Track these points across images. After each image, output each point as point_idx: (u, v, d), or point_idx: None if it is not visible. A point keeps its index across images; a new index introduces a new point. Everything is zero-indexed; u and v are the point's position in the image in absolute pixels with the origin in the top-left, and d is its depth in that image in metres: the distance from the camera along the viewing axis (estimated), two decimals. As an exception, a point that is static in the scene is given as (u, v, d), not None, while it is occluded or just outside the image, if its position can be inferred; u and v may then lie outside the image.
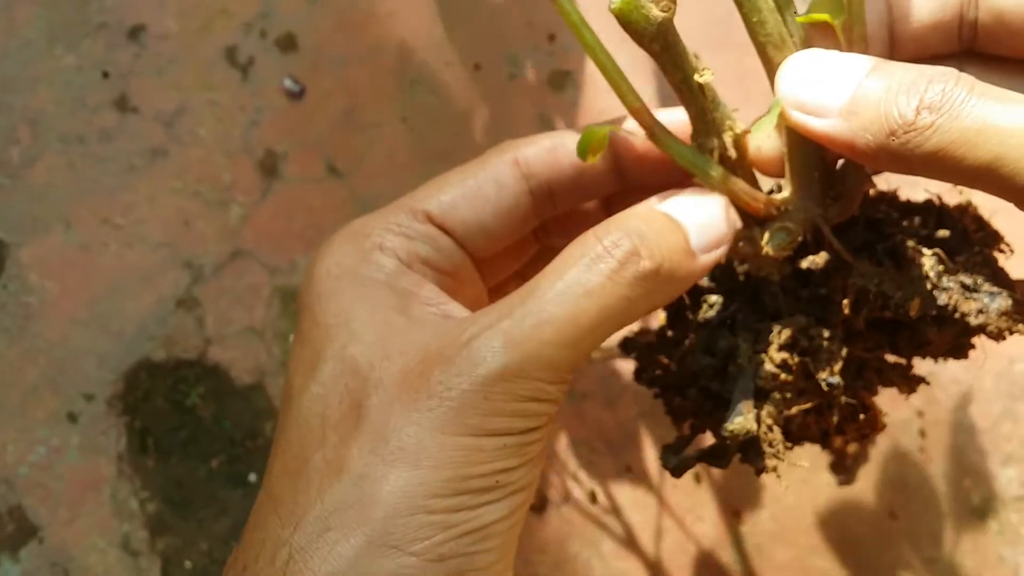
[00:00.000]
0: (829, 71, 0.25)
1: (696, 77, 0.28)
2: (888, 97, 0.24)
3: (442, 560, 0.23)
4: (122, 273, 0.50)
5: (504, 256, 0.32)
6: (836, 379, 0.29)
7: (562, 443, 0.49)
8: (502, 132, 0.50)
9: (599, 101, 0.51)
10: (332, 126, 0.50)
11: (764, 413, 0.29)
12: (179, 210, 0.50)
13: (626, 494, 0.48)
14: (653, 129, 0.28)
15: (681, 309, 0.33)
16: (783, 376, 0.29)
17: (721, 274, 0.32)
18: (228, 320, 0.50)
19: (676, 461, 0.31)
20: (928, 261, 0.29)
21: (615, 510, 0.48)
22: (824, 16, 0.27)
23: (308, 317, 0.27)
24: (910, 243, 0.29)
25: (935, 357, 0.33)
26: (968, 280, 0.29)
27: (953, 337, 0.31)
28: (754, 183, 0.30)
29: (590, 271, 0.25)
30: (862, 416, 0.32)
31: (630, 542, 0.48)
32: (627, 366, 0.49)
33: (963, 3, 0.27)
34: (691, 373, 0.31)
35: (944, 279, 0.29)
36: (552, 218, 0.31)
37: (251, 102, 0.50)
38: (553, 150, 0.29)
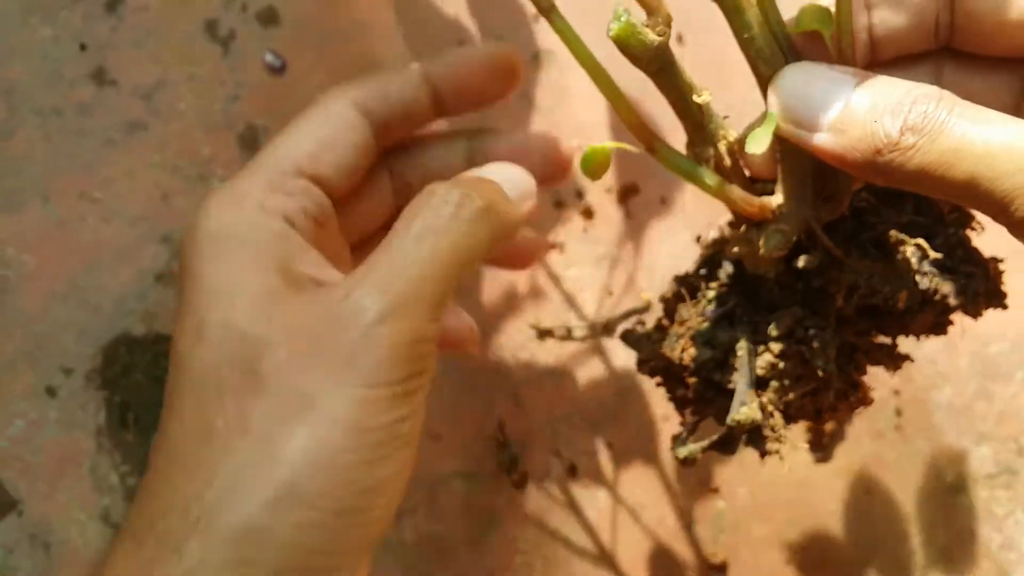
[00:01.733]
0: (819, 85, 0.27)
1: (695, 98, 0.30)
2: (874, 116, 0.25)
3: (341, 514, 0.26)
4: (100, 247, 0.50)
5: (362, 208, 0.35)
6: (832, 365, 0.31)
7: (543, 420, 0.49)
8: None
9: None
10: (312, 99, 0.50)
11: (765, 400, 0.31)
12: (158, 184, 0.50)
13: (607, 470, 0.48)
14: (652, 144, 0.30)
15: (677, 301, 0.35)
16: (782, 365, 0.31)
17: (719, 271, 0.34)
18: (208, 295, 0.49)
19: (687, 452, 0.33)
20: (910, 249, 0.31)
21: (596, 485, 0.48)
22: (814, 26, 0.28)
23: (191, 281, 0.28)
24: (893, 233, 0.31)
25: (917, 335, 0.35)
26: (946, 262, 0.31)
27: (934, 317, 0.33)
28: (749, 189, 0.31)
29: (436, 215, 0.28)
30: (853, 394, 0.34)
31: (610, 517, 0.48)
32: (607, 344, 0.49)
33: (939, 5, 0.28)
34: (693, 364, 0.33)
35: (924, 264, 0.31)
36: (394, 153, 0.36)
37: (231, 76, 0.50)
38: (383, 90, 0.33)
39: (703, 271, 0.35)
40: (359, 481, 0.26)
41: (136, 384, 0.49)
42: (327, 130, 0.32)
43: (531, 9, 0.51)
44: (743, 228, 0.31)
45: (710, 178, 0.30)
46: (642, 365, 0.36)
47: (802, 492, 0.48)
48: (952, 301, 0.31)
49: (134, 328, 0.49)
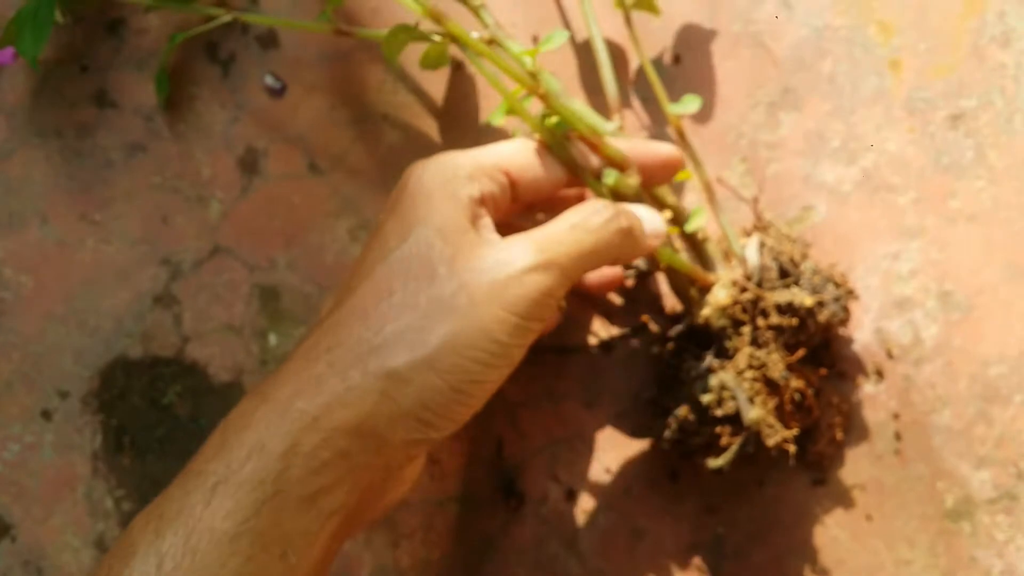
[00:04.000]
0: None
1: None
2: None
3: (455, 390, 0.36)
4: (99, 269, 0.49)
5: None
6: (784, 373, 0.44)
7: (541, 443, 0.49)
8: (485, 130, 0.50)
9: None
10: (313, 123, 0.50)
11: (759, 405, 0.44)
12: (157, 206, 0.50)
13: (604, 494, 0.48)
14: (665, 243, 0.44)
15: (671, 379, 0.46)
16: (757, 385, 0.44)
17: (696, 335, 0.46)
18: (206, 318, 0.49)
19: (722, 461, 0.44)
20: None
21: (594, 510, 0.48)
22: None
23: (407, 203, 0.38)
24: (793, 289, 0.45)
25: (820, 341, 0.47)
26: (816, 283, 0.45)
27: (824, 329, 0.45)
28: (706, 270, 0.46)
29: (591, 218, 0.39)
30: (807, 403, 0.46)
31: (607, 542, 0.48)
32: (606, 366, 0.49)
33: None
34: (702, 412, 0.44)
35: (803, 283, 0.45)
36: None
37: (231, 98, 0.50)
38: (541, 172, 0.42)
39: (686, 337, 0.46)
40: (474, 373, 0.36)
41: (133, 408, 0.49)
42: (525, 149, 0.41)
43: (530, 31, 0.51)
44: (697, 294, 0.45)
45: (686, 266, 0.45)
46: (673, 444, 0.46)
47: (801, 517, 0.48)
48: (820, 316, 0.44)
49: (131, 351, 0.49)
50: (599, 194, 0.42)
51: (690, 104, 0.45)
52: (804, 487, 0.48)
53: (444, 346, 0.36)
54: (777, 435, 0.43)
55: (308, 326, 0.40)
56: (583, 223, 0.39)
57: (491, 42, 0.45)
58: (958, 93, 0.50)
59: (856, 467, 0.48)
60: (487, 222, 0.39)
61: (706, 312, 0.45)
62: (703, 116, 0.50)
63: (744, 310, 0.44)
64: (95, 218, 0.50)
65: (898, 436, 0.48)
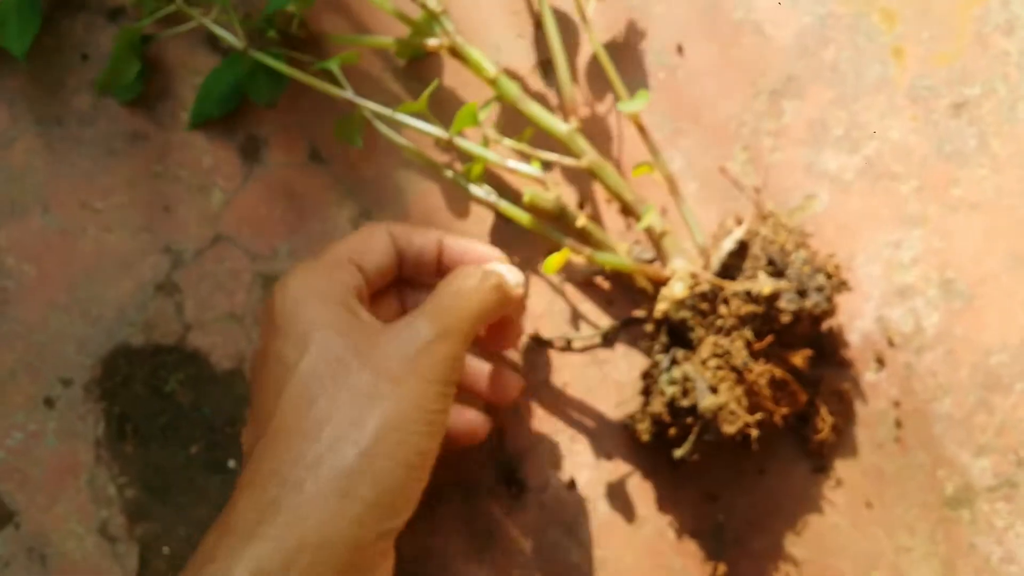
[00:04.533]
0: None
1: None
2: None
3: (408, 467, 0.38)
4: (101, 257, 0.49)
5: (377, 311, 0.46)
6: (746, 360, 0.44)
7: (541, 431, 0.49)
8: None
9: (582, 90, 0.51)
10: (314, 111, 0.50)
11: (722, 391, 0.44)
12: (159, 194, 0.50)
13: (604, 482, 0.48)
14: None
15: (649, 380, 0.48)
16: (721, 373, 0.44)
17: (673, 329, 0.46)
18: (208, 306, 0.49)
19: (682, 451, 0.45)
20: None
21: (595, 498, 0.48)
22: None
23: (288, 320, 0.40)
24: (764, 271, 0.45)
25: (810, 330, 0.46)
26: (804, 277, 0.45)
27: (811, 325, 0.46)
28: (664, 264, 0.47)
29: (467, 282, 0.42)
30: (790, 387, 0.45)
31: (608, 530, 0.48)
32: (605, 356, 0.49)
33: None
34: (668, 406, 0.45)
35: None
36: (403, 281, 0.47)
37: (233, 86, 0.50)
38: (409, 237, 0.45)
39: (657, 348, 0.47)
40: (419, 444, 0.38)
41: (135, 395, 0.49)
42: (370, 240, 0.43)
43: (530, 20, 0.51)
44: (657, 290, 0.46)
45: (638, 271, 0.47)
46: (644, 434, 0.47)
47: (801, 504, 0.48)
48: (807, 307, 0.44)
49: (134, 339, 0.49)
50: (514, 217, 0.46)
51: (638, 101, 0.45)
52: (804, 475, 0.48)
53: (385, 428, 0.37)
54: (738, 422, 0.44)
55: (259, 358, 0.41)
56: (462, 289, 0.41)
57: (452, 48, 0.46)
58: (961, 81, 0.50)
59: (857, 455, 0.48)
60: (363, 311, 0.41)
61: (662, 307, 0.45)
62: (704, 105, 0.50)
63: (706, 300, 0.45)
64: (97, 206, 0.50)
65: (899, 424, 0.48)
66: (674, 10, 0.51)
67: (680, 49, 0.51)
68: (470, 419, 0.46)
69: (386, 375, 0.38)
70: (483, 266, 0.43)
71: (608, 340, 0.49)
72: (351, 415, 0.37)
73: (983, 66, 0.50)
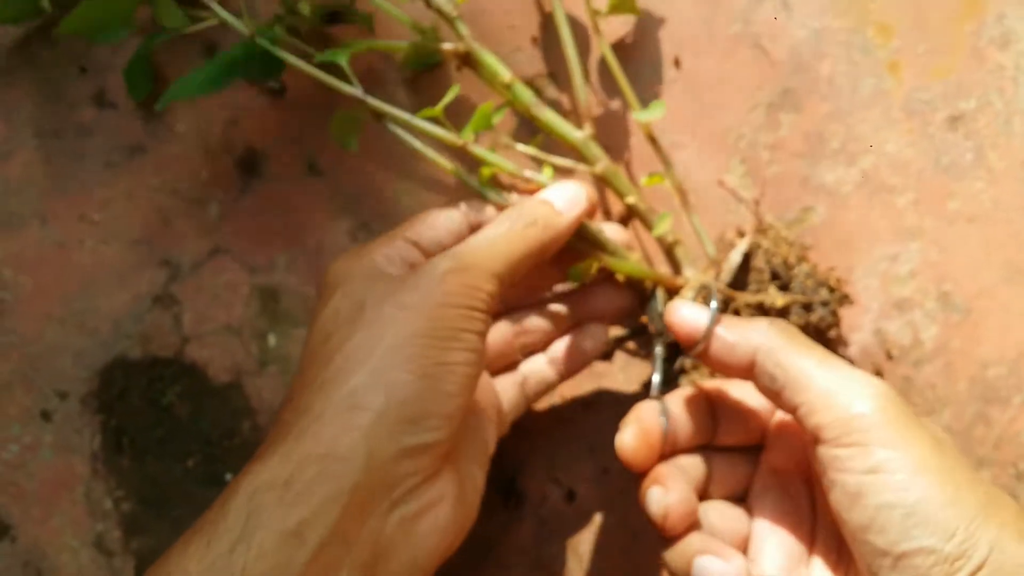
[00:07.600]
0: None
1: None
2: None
3: (424, 377, 0.37)
4: (98, 270, 0.49)
5: None
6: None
7: (540, 444, 0.49)
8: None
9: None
10: (312, 124, 0.50)
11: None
12: (157, 207, 0.50)
13: (604, 495, 0.48)
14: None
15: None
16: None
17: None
18: (206, 318, 0.49)
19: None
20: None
21: (594, 511, 0.48)
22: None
23: (326, 288, 0.41)
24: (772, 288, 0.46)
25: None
26: (808, 288, 0.46)
27: (814, 332, 0.46)
28: (675, 274, 0.48)
29: (497, 226, 0.42)
30: None
31: (607, 542, 0.48)
32: (603, 369, 0.49)
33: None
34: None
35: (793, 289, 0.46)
36: None
37: (231, 99, 0.50)
38: (481, 214, 0.45)
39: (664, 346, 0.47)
40: (437, 356, 0.37)
41: (132, 408, 0.49)
42: (427, 218, 0.44)
43: (528, 33, 0.51)
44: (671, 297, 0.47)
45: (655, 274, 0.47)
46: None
47: (801, 517, 0.48)
48: (812, 319, 0.45)
49: (131, 351, 0.49)
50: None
51: (655, 111, 0.46)
52: (803, 488, 0.48)
53: (395, 345, 0.37)
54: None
55: (307, 326, 0.40)
56: (491, 233, 0.42)
57: (467, 54, 0.45)
58: (957, 95, 0.50)
59: (855, 468, 0.48)
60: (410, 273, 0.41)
61: None
62: (702, 117, 0.50)
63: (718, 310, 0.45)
64: (94, 219, 0.50)
65: (897, 437, 0.48)
66: (672, 24, 0.51)
67: (677, 62, 0.51)
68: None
69: (400, 305, 0.38)
70: (524, 203, 0.43)
71: (606, 354, 0.49)
72: (362, 342, 0.37)
73: (979, 80, 0.50)
